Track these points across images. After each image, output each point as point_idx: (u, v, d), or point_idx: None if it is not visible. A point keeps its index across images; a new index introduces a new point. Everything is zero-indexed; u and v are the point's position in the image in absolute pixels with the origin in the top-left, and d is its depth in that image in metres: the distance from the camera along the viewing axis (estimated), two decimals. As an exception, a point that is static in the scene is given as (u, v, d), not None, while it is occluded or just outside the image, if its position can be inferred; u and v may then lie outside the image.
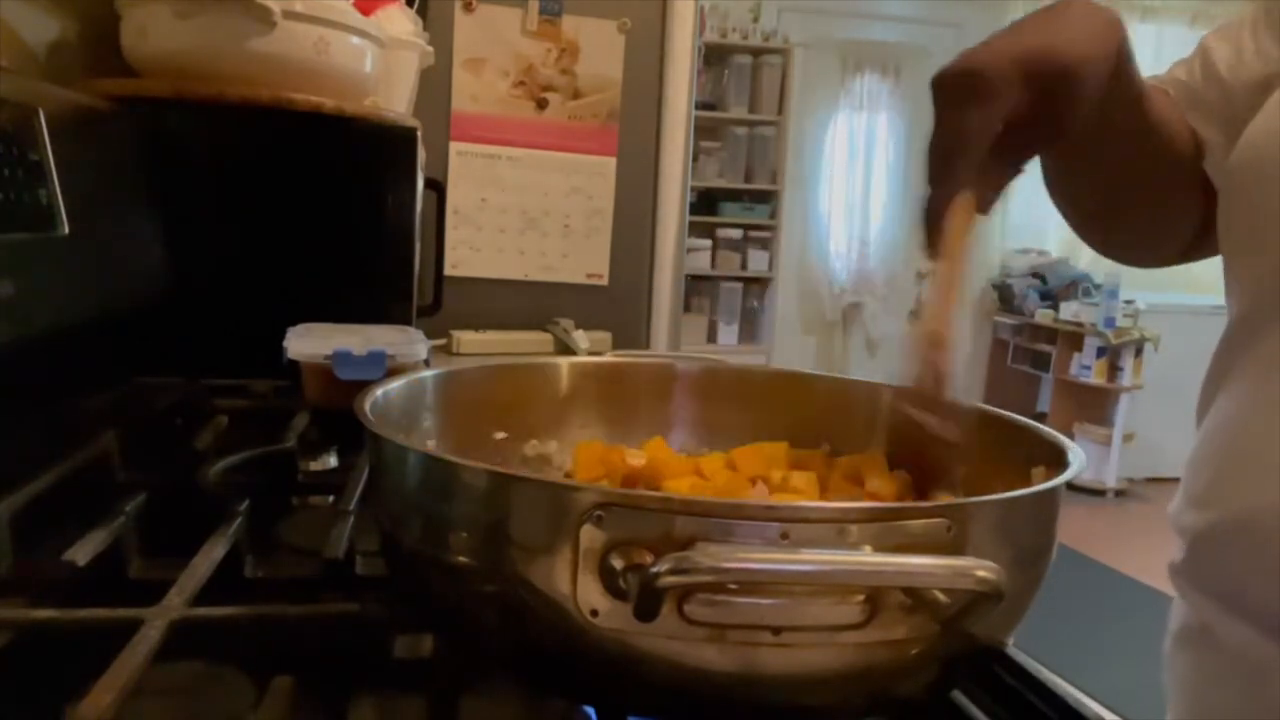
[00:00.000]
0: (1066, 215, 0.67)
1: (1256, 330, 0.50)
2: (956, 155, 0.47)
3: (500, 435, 0.58)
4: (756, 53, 4.31)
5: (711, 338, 4.51)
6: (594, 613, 0.34)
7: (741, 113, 4.37)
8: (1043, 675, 0.45)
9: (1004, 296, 5.00)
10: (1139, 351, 4.42)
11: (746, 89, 4.35)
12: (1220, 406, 0.54)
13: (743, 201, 4.49)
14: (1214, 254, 0.63)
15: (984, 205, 0.49)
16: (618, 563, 0.33)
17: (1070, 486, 0.42)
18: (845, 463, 0.54)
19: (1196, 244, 0.65)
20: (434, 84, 1.51)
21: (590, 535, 0.33)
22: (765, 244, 4.54)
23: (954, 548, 0.34)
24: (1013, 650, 0.45)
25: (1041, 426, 0.49)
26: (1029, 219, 5.05)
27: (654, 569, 0.31)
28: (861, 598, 0.33)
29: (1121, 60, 0.51)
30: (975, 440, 0.49)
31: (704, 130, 4.16)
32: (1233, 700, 0.52)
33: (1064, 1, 0.50)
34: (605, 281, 1.72)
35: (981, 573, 0.32)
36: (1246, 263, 0.52)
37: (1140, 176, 0.61)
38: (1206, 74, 0.60)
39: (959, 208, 0.48)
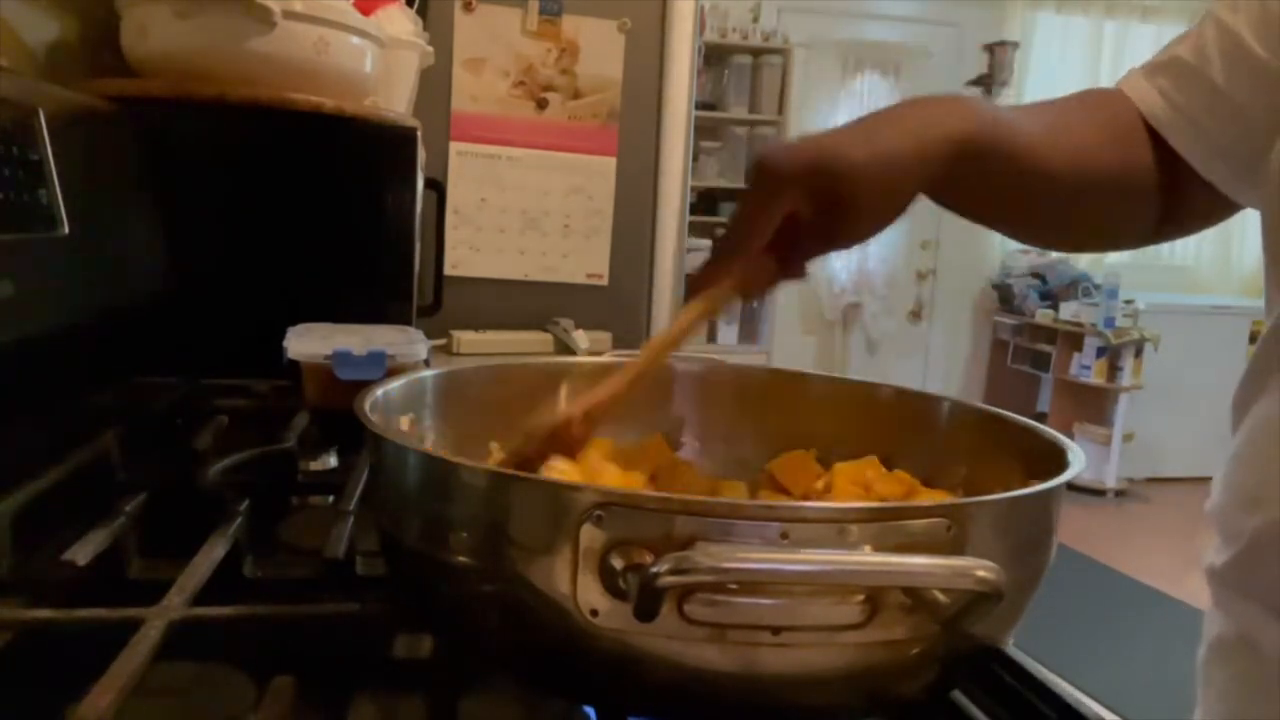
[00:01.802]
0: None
1: None
2: (731, 243, 0.48)
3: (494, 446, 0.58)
4: (756, 53, 4.31)
5: (711, 338, 4.50)
6: (594, 613, 0.34)
7: (741, 113, 4.36)
8: (1043, 675, 0.45)
9: (1004, 296, 5.00)
10: (1139, 351, 4.41)
11: (746, 89, 4.35)
12: (1265, 405, 0.52)
13: (743, 201, 4.49)
14: (1185, 232, 0.62)
15: (750, 294, 0.50)
16: (618, 563, 0.33)
17: (1070, 486, 0.42)
18: (847, 465, 0.54)
19: (1161, 228, 0.62)
20: (434, 84, 1.51)
21: (590, 535, 0.33)
22: (765, 244, 4.53)
23: (954, 548, 0.34)
24: (1013, 650, 0.45)
25: (1041, 426, 0.49)
26: (1029, 219, 5.06)
27: (654, 569, 0.31)
28: (861, 598, 0.33)
29: (964, 160, 0.50)
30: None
31: (704, 130, 4.16)
32: (1276, 718, 0.50)
33: (904, 106, 0.51)
34: (605, 281, 1.72)
35: (981, 572, 0.32)
36: None
37: (1063, 214, 0.60)
38: (1226, 49, 0.56)
39: (700, 303, 0.49)
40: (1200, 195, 0.58)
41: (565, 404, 0.50)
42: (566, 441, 0.48)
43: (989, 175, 0.53)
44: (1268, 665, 0.49)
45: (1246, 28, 0.55)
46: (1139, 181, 0.59)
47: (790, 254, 0.49)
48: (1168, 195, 0.59)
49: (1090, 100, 0.62)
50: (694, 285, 0.49)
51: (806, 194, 0.46)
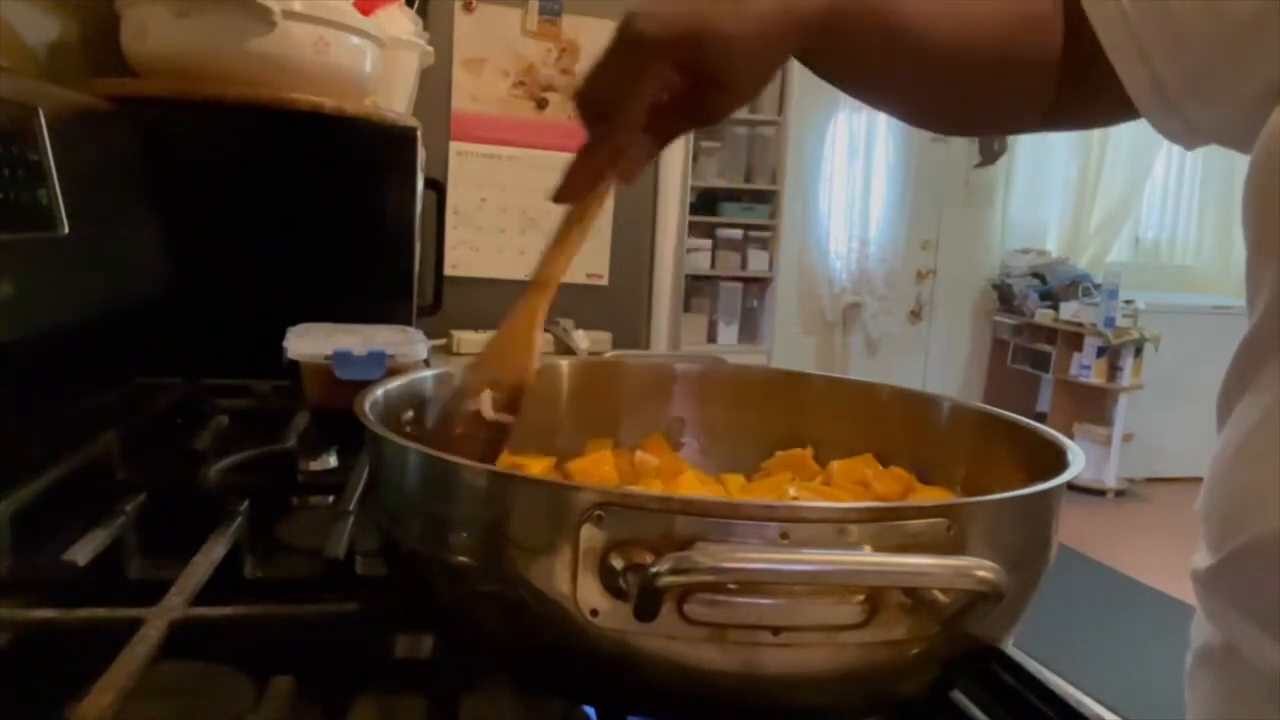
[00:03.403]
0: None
1: None
2: (607, 119, 0.45)
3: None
4: (756, 53, 4.31)
5: (711, 338, 4.50)
6: (594, 613, 0.34)
7: (741, 113, 4.35)
8: (1043, 675, 0.45)
9: (1004, 296, 5.00)
10: (1139, 351, 4.41)
11: (746, 89, 4.35)
12: (1249, 405, 0.51)
13: (742, 201, 4.48)
14: (1078, 126, 0.59)
15: (629, 178, 0.47)
16: (618, 563, 0.33)
17: (1070, 486, 0.42)
18: (847, 463, 0.54)
19: (1053, 115, 0.59)
20: (434, 84, 1.51)
21: (590, 535, 0.33)
22: (765, 244, 4.53)
23: (954, 548, 0.34)
24: (1013, 650, 0.45)
25: (1041, 426, 0.49)
26: (1029, 219, 5.06)
27: (654, 569, 0.31)
28: (861, 598, 0.33)
29: (837, 29, 0.47)
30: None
31: (704, 130, 4.16)
32: None
33: None
34: (605, 281, 1.72)
35: (981, 573, 0.32)
36: (1273, 261, 0.51)
37: (944, 89, 0.56)
38: None
39: (594, 202, 0.47)
40: (1104, 93, 0.54)
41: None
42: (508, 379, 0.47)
43: (864, 44, 0.50)
44: (1253, 678, 0.49)
45: None
46: (1034, 61, 0.55)
47: (658, 133, 0.47)
48: (1068, 84, 0.56)
49: None
50: (575, 171, 0.47)
51: (675, 67, 0.44)
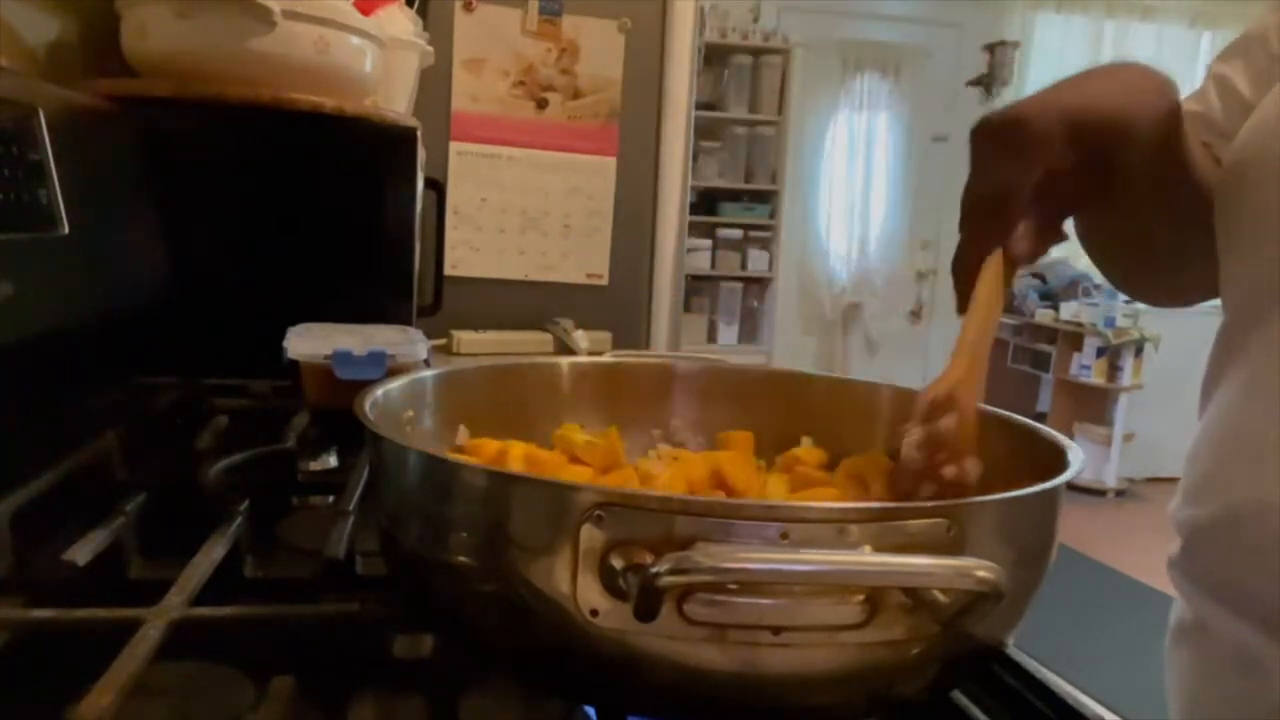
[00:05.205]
0: (1106, 271, 0.65)
1: (1252, 324, 0.50)
2: (994, 209, 0.46)
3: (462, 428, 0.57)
4: (756, 53, 4.31)
5: (711, 338, 4.50)
6: (594, 613, 0.34)
7: (741, 113, 4.36)
8: (1043, 675, 0.45)
9: (1004, 296, 5.00)
10: (1139, 351, 4.42)
11: (746, 89, 4.35)
12: (1217, 401, 0.54)
13: (742, 201, 4.49)
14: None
15: (1021, 260, 0.47)
16: (618, 563, 0.33)
17: (1070, 486, 0.42)
18: (848, 463, 0.54)
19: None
20: (434, 84, 1.51)
21: (590, 535, 0.33)
22: (765, 244, 4.53)
23: (954, 548, 0.34)
24: (1013, 650, 0.45)
25: (1041, 426, 0.49)
26: (1029, 219, 5.05)
27: (654, 569, 0.31)
28: (861, 598, 0.33)
29: (1174, 123, 0.49)
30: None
31: (704, 130, 4.16)
32: (1229, 696, 0.52)
33: (1119, 63, 0.49)
34: (605, 281, 1.72)
35: (981, 573, 0.32)
36: (1242, 258, 0.52)
37: (1177, 229, 0.59)
38: (1225, 99, 0.58)
39: (992, 264, 0.47)
40: None
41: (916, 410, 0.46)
42: (945, 433, 0.45)
43: (1163, 165, 0.51)
44: (1219, 649, 0.51)
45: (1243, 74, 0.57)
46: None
47: (1045, 216, 0.47)
48: None
49: None
50: (964, 265, 0.47)
51: (1068, 145, 0.45)
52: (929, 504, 0.37)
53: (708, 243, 4.43)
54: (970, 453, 0.45)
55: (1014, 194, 0.45)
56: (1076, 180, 0.47)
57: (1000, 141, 0.45)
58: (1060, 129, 0.45)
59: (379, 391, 0.49)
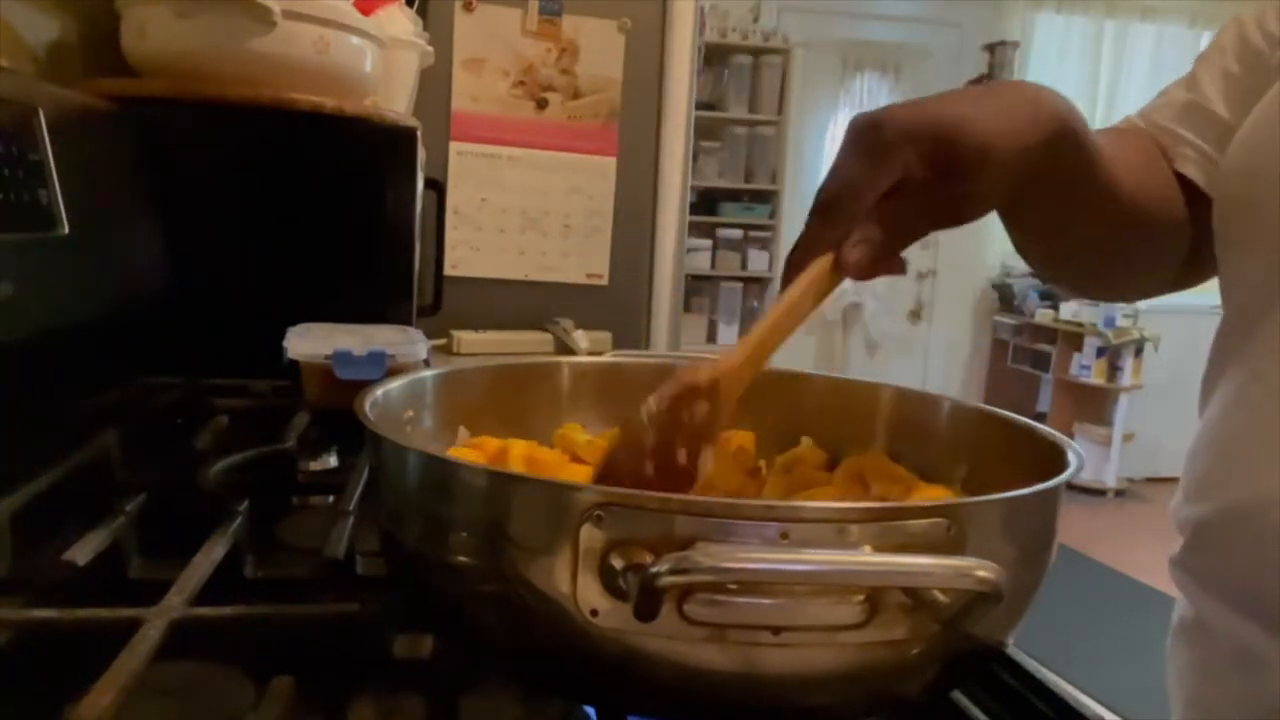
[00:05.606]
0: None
1: (1251, 324, 0.50)
2: (834, 209, 0.45)
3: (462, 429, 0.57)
4: (756, 53, 4.31)
5: (711, 338, 4.51)
6: (594, 613, 0.34)
7: (741, 113, 4.37)
8: (1043, 675, 0.45)
9: (1004, 296, 5.00)
10: (1139, 351, 4.42)
11: (746, 89, 4.35)
12: (1217, 400, 0.54)
13: (742, 201, 4.49)
14: (1203, 277, 0.62)
15: (848, 271, 0.45)
16: (618, 563, 0.33)
17: (1070, 486, 0.42)
18: (848, 463, 0.54)
19: (1183, 278, 0.63)
20: (434, 84, 1.51)
21: (590, 535, 0.33)
22: (765, 244, 4.54)
23: (954, 548, 0.34)
24: (1013, 650, 0.45)
25: (1041, 426, 0.49)
26: (1029, 219, 5.05)
27: (654, 569, 0.31)
28: (861, 598, 0.33)
29: (1062, 147, 0.47)
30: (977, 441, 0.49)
31: (704, 130, 4.16)
32: (1230, 695, 0.52)
33: (1007, 82, 0.49)
34: (605, 281, 1.72)
35: (981, 573, 0.32)
36: (1241, 257, 0.53)
37: (1105, 241, 0.58)
38: (1216, 86, 0.58)
39: (817, 266, 0.45)
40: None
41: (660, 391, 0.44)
42: (689, 420, 0.44)
43: (1073, 169, 0.50)
44: (1220, 647, 0.51)
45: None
46: (1172, 214, 0.58)
47: (893, 231, 0.45)
48: (1193, 234, 0.59)
49: (1124, 132, 0.61)
50: (793, 255, 0.46)
51: (923, 158, 0.43)
52: (929, 504, 0.37)
53: (708, 243, 4.43)
54: (713, 445, 0.44)
55: (857, 196, 0.44)
56: (930, 198, 0.44)
57: (858, 141, 0.44)
58: (919, 140, 0.43)
59: (379, 391, 0.49)
